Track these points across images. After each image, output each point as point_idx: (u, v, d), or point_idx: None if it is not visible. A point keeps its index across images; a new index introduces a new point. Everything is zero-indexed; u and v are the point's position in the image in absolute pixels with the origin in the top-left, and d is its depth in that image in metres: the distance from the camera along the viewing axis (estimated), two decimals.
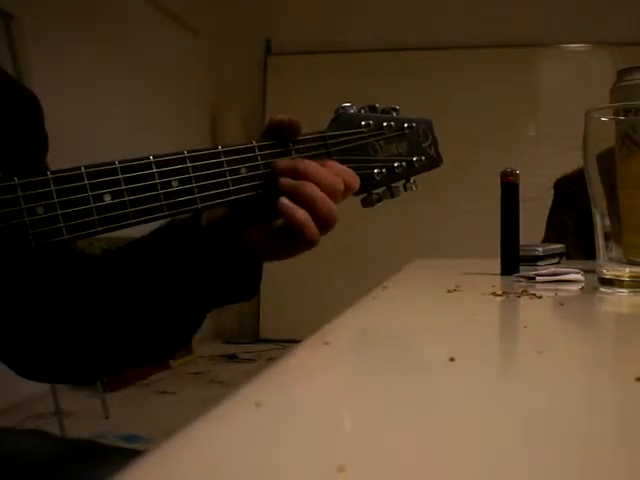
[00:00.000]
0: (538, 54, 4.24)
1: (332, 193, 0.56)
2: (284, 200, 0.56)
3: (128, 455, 0.64)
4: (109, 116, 3.27)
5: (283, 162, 0.57)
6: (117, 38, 3.41)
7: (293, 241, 0.57)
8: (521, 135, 4.21)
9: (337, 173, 0.58)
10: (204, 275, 0.62)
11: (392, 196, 0.66)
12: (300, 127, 0.59)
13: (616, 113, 0.65)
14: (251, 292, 0.65)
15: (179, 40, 4.12)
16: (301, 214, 0.55)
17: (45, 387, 2.51)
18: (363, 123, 0.64)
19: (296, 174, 0.56)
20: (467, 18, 4.24)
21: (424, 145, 0.69)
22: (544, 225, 1.73)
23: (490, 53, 4.19)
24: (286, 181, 0.56)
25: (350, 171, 0.59)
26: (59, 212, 0.49)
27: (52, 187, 0.48)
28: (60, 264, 0.65)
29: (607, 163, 0.64)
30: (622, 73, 0.79)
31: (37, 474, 0.62)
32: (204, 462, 0.21)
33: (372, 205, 0.65)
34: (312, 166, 0.57)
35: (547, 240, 1.60)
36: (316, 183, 0.56)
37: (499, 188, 0.84)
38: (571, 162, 1.54)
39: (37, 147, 0.68)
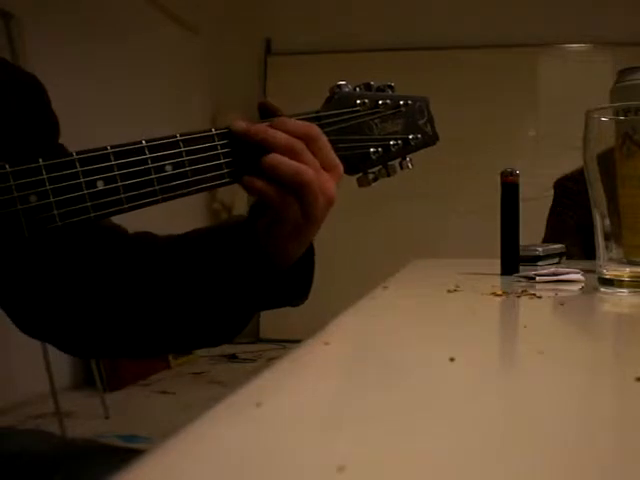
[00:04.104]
0: (538, 54, 4.25)
1: (293, 154, 0.55)
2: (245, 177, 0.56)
3: (128, 455, 0.64)
4: (109, 116, 3.27)
5: (240, 125, 0.56)
6: (117, 38, 3.40)
7: (271, 220, 0.57)
8: (521, 135, 4.21)
9: (292, 132, 0.56)
10: (251, 274, 0.62)
11: (388, 175, 0.65)
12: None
13: (616, 113, 0.65)
14: (299, 296, 0.65)
15: (179, 40, 4.11)
16: (260, 183, 0.55)
17: (45, 387, 2.51)
18: (358, 102, 0.63)
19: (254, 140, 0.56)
20: (467, 18, 4.24)
21: (420, 123, 0.68)
22: (544, 225, 1.73)
23: (490, 53, 4.19)
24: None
25: (303, 123, 0.58)
26: (52, 200, 0.48)
27: (44, 175, 0.48)
28: (112, 242, 0.66)
29: (607, 163, 0.64)
30: (622, 73, 0.79)
31: (37, 474, 0.62)
32: (204, 462, 0.21)
33: (368, 184, 0.65)
34: (267, 134, 0.56)
35: (547, 240, 1.60)
36: (274, 149, 0.55)
37: (499, 188, 0.84)
38: (571, 162, 1.54)
39: (47, 129, 0.67)
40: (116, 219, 0.55)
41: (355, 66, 4.18)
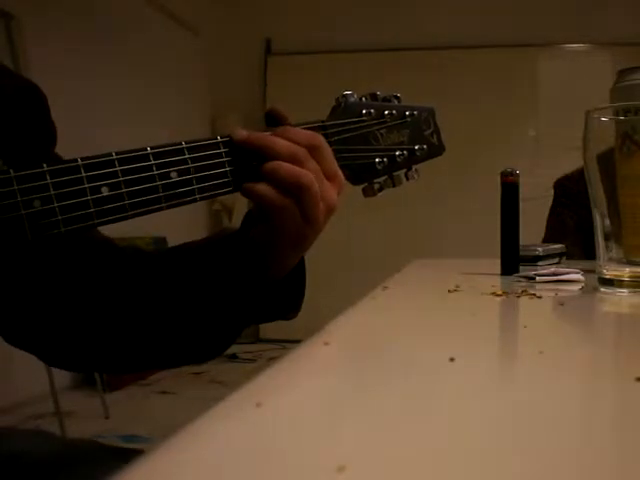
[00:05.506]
0: (538, 54, 4.25)
1: (295, 161, 0.55)
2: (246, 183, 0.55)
3: (128, 455, 0.64)
4: (109, 116, 3.27)
5: (241, 134, 0.56)
6: (117, 38, 3.41)
7: (273, 225, 0.57)
8: (521, 135, 4.21)
9: (294, 140, 0.56)
10: (246, 286, 0.61)
11: (394, 185, 0.65)
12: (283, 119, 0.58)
13: (616, 113, 0.65)
14: (292, 309, 0.64)
15: (179, 40, 4.12)
16: (260, 187, 0.54)
17: (45, 387, 2.51)
18: (364, 112, 0.63)
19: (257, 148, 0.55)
20: (467, 18, 4.24)
21: (426, 133, 0.68)
22: (544, 225, 1.73)
23: (490, 53, 4.19)
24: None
25: (306, 132, 0.57)
26: (55, 205, 0.48)
27: (49, 180, 0.48)
28: (103, 255, 0.65)
29: (607, 163, 0.64)
30: (622, 73, 0.79)
31: (37, 474, 0.62)
32: (204, 462, 0.21)
33: (373, 195, 0.64)
34: (267, 141, 0.55)
35: (547, 240, 1.60)
36: (276, 156, 0.55)
37: (499, 188, 0.84)
38: (571, 162, 1.54)
39: (45, 138, 0.67)
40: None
41: (355, 66, 4.20)
